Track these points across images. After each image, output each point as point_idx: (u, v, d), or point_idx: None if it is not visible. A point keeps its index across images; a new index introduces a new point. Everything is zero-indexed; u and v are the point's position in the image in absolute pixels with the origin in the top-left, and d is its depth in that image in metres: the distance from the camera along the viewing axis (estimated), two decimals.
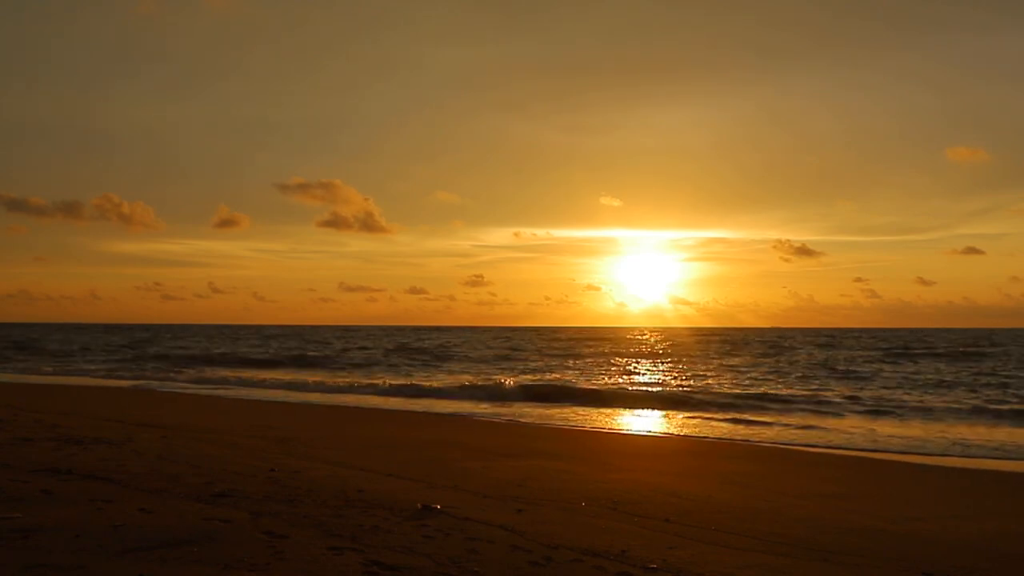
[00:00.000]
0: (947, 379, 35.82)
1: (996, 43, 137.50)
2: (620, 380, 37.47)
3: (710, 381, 35.60)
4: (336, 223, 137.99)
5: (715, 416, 22.37)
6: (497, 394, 29.02)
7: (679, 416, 22.78)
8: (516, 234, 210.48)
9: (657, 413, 23.86)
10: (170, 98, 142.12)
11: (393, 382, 33.94)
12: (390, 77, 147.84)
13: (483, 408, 24.41)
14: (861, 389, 30.99)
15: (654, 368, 46.65)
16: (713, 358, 54.26)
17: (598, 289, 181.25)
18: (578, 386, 32.34)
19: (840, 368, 43.02)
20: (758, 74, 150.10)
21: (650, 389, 32.09)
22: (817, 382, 34.72)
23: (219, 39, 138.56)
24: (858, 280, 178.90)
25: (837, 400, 26.68)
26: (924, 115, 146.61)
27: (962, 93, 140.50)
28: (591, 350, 69.75)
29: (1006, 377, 36.98)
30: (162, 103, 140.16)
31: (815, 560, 7.10)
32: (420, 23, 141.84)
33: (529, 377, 37.75)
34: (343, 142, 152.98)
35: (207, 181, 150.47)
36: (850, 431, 19.35)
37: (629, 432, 19.70)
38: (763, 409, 24.27)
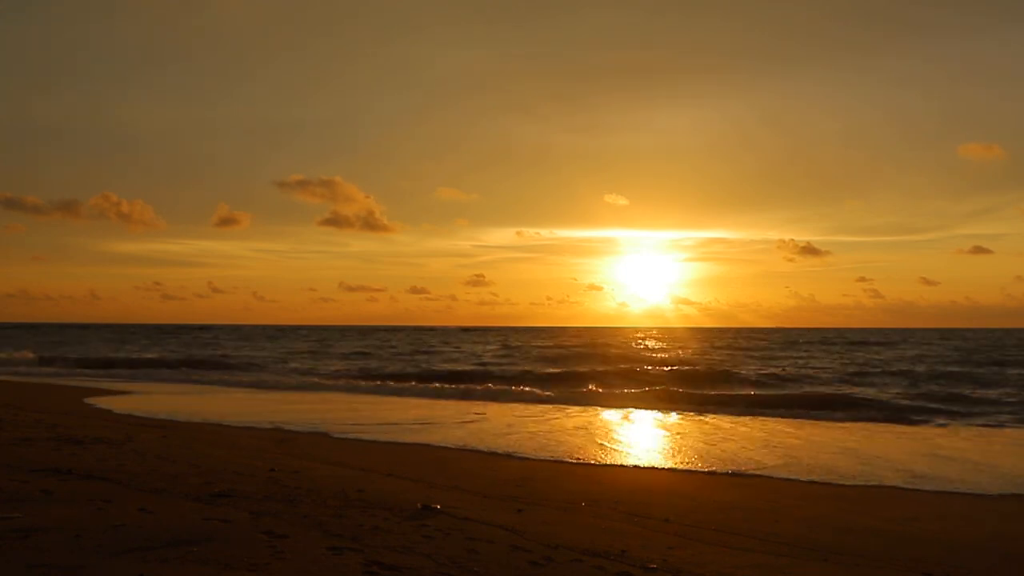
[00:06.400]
0: None
1: (994, 46, 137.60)
2: None
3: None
4: (337, 222, 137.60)
5: None
6: None
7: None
8: (518, 233, 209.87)
9: None
10: (170, 98, 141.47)
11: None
12: (395, 79, 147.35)
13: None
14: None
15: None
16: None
17: (600, 289, 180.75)
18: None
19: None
20: (759, 77, 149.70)
21: None
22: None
23: (221, 40, 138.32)
24: (861, 280, 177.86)
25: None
26: (926, 116, 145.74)
27: (963, 94, 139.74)
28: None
29: None
30: (162, 103, 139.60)
31: (815, 560, 7.10)
32: (428, 27, 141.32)
33: None
34: (347, 144, 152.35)
35: (207, 180, 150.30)
36: None
37: (629, 431, 19.67)
38: None
